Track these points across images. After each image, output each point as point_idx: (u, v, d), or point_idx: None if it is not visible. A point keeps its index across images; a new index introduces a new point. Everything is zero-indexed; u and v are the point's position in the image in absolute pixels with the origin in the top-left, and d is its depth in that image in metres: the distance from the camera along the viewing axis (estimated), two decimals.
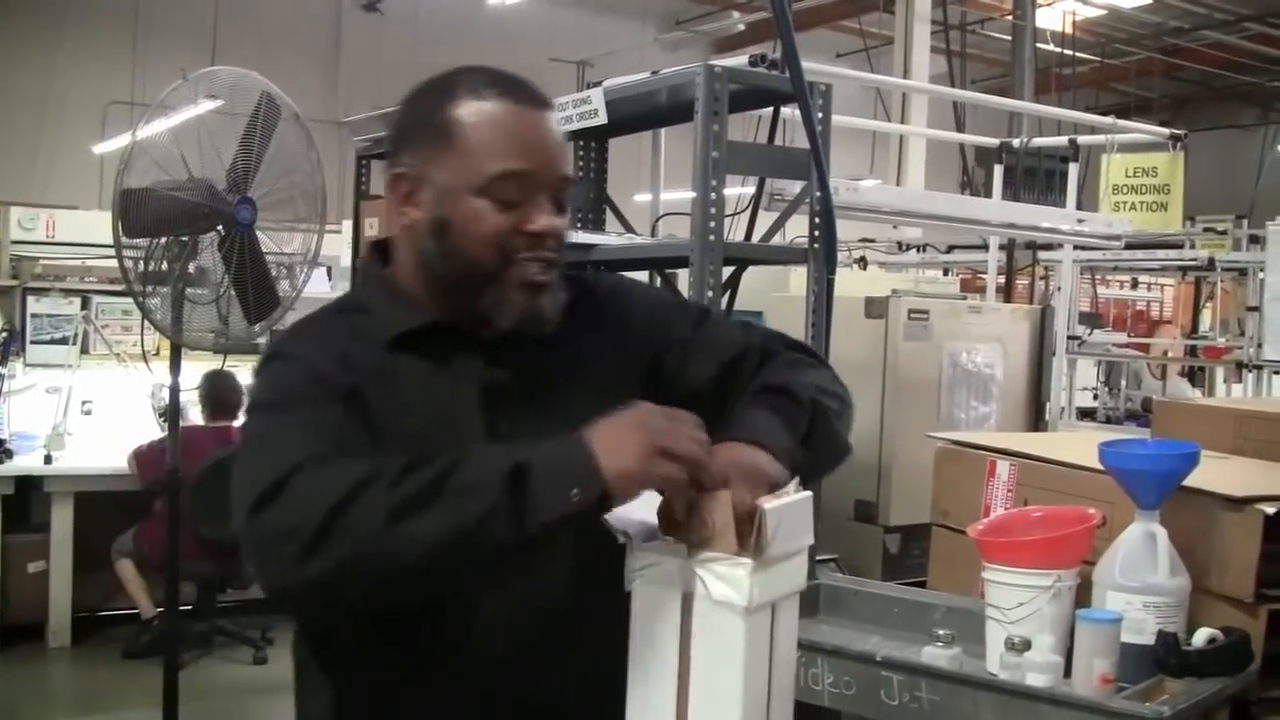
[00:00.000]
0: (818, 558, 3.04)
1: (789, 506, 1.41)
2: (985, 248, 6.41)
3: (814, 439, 1.57)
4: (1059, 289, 6.12)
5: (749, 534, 1.36)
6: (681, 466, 1.36)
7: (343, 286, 6.49)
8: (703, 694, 1.39)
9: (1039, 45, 11.88)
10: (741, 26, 14.64)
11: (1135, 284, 11.39)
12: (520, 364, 1.61)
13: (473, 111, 1.57)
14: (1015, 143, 5.81)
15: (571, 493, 1.33)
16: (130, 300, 4.53)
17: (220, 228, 4.07)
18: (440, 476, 1.34)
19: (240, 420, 1.54)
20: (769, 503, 1.38)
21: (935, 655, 2.44)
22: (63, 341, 6.73)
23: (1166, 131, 5.65)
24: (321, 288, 7.04)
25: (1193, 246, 9.14)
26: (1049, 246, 6.27)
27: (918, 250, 9.45)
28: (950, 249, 9.37)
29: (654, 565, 1.41)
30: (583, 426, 1.38)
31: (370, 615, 1.51)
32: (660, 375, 1.70)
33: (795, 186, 3.30)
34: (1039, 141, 5.99)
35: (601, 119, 3.27)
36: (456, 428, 1.55)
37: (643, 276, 3.44)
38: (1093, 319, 9.02)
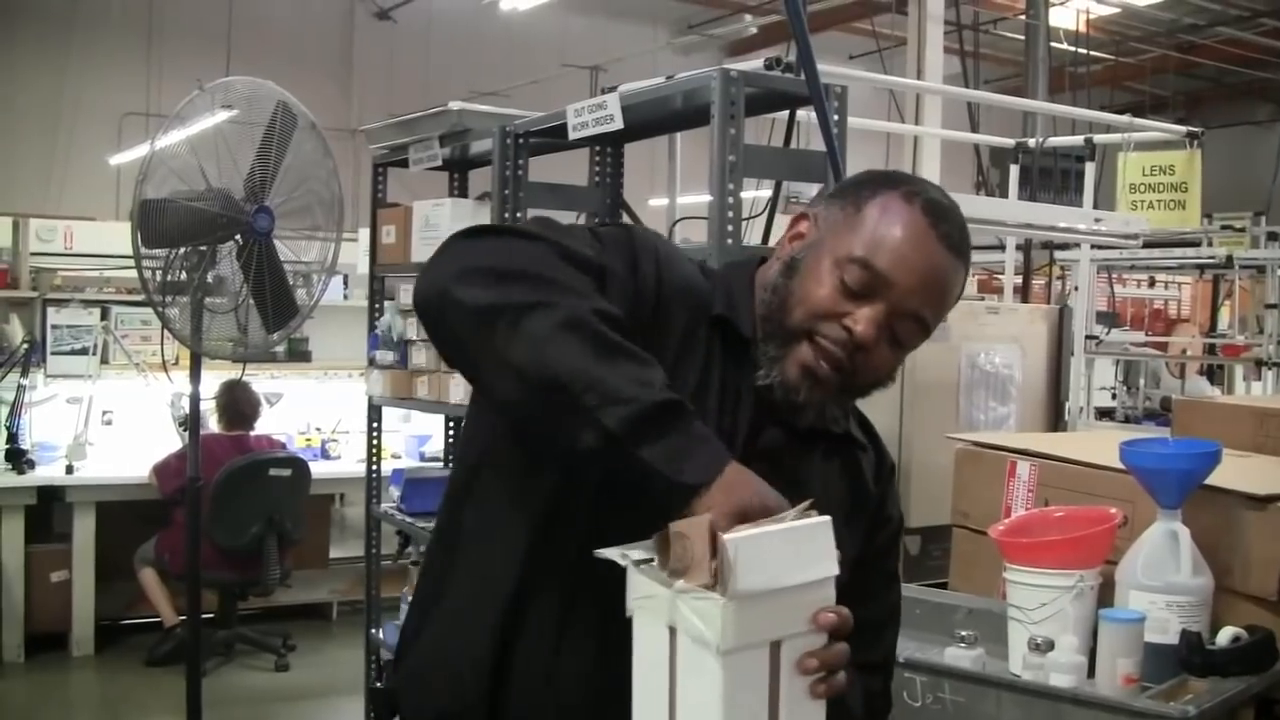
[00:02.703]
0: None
1: (776, 535, 1.28)
2: (1002, 248, 6.40)
3: None
4: (1076, 288, 6.11)
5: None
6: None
7: (359, 294, 6.51)
8: None
9: (1052, 44, 11.85)
10: (754, 30, 14.64)
11: (1152, 283, 11.34)
12: (784, 436, 1.62)
13: (890, 206, 1.58)
14: (1031, 142, 5.81)
15: (684, 466, 1.32)
16: (150, 310, 4.55)
17: (238, 237, 4.08)
18: (628, 350, 1.37)
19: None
20: (742, 531, 1.26)
21: (958, 656, 2.44)
22: (83, 352, 6.74)
23: (1183, 129, 5.63)
24: (338, 296, 7.07)
25: (1210, 244, 9.11)
26: (1066, 246, 6.26)
27: None
28: None
29: (646, 595, 1.31)
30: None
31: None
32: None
33: (812, 189, 3.30)
34: (1055, 141, 5.98)
35: (618, 124, 3.28)
36: None
37: None
38: (1110, 318, 8.99)
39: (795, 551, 1.30)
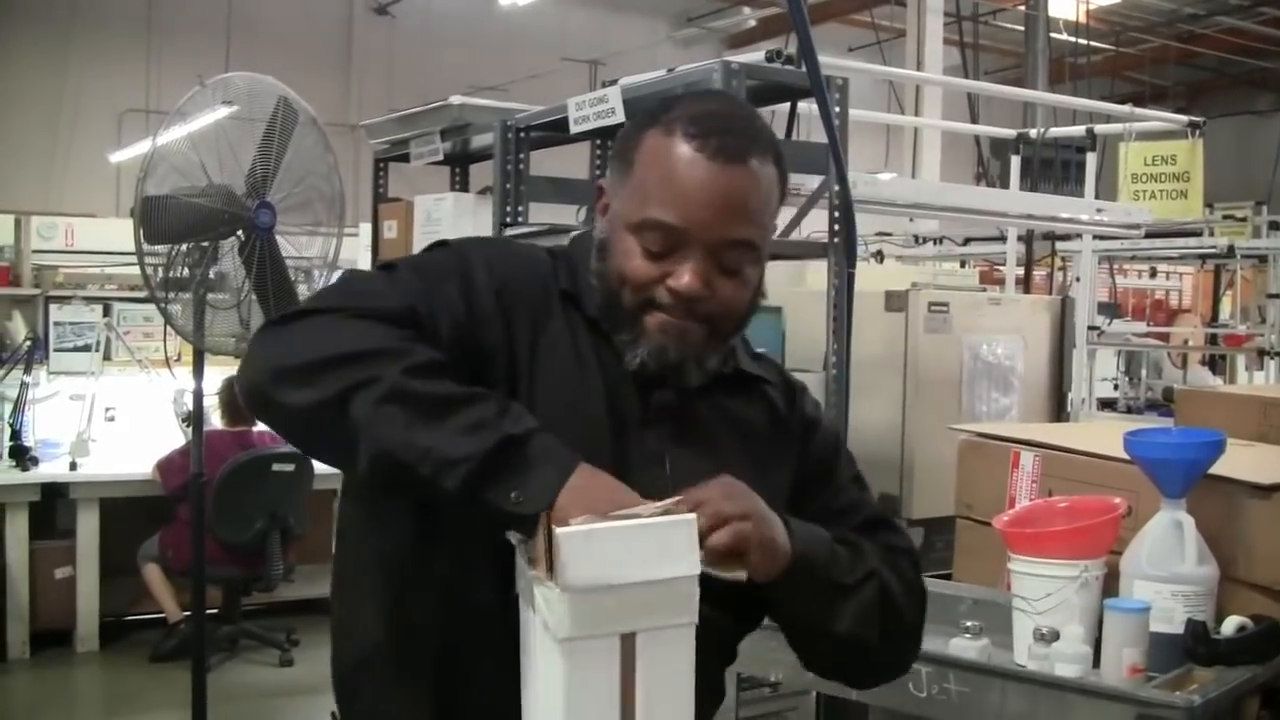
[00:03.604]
0: None
1: (611, 531, 1.30)
2: (1003, 239, 6.40)
3: (856, 598, 1.56)
4: (1078, 279, 6.11)
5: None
6: None
7: None
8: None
9: (1052, 35, 11.83)
10: (753, 22, 14.64)
11: (1154, 273, 11.33)
12: (675, 393, 1.58)
13: (653, 148, 1.52)
14: (1032, 133, 5.80)
15: (523, 498, 1.34)
16: (152, 306, 4.56)
17: (240, 233, 4.08)
18: (451, 400, 1.38)
19: None
20: (576, 525, 1.28)
21: (963, 647, 2.44)
22: (85, 349, 6.74)
23: (1184, 119, 5.62)
24: None
25: (1212, 234, 9.10)
26: (1067, 237, 6.26)
27: (934, 243, 9.44)
28: (967, 241, 9.36)
29: (523, 577, 1.36)
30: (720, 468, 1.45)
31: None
32: (796, 497, 1.65)
33: (813, 181, 3.31)
34: (1055, 131, 5.97)
35: (619, 118, 3.28)
36: (583, 410, 1.54)
37: None
38: (1112, 309, 8.97)
39: (640, 548, 1.30)
